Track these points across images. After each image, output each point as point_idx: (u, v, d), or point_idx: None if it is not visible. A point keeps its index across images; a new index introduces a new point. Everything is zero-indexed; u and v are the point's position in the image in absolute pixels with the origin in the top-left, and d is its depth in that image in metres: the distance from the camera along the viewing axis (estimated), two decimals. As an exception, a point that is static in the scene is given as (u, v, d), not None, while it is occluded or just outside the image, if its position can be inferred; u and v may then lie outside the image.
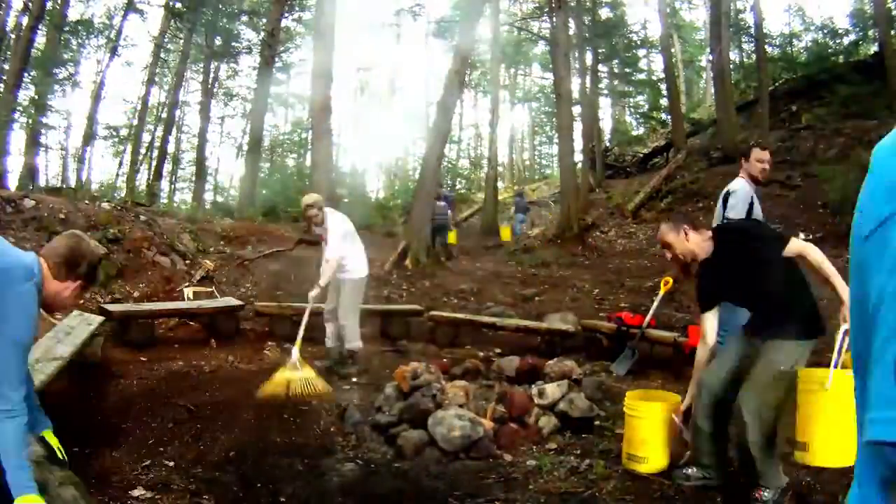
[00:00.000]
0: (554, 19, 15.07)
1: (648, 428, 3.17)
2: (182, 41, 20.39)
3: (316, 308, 5.19)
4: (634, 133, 27.37)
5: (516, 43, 26.60)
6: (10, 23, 16.04)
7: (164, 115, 22.62)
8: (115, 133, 22.34)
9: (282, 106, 29.56)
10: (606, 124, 30.24)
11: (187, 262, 8.29)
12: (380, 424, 3.95)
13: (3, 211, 7.29)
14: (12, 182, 14.01)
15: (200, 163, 21.93)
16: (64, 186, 13.87)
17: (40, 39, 16.97)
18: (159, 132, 22.23)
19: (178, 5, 18.92)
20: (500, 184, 23.14)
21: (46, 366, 3.63)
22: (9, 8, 15.55)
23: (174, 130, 24.24)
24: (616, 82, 25.05)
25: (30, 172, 15.10)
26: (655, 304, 5.90)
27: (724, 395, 2.89)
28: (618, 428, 3.86)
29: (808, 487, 2.96)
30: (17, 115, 14.53)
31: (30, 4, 13.72)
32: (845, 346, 2.48)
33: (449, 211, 12.60)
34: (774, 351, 2.76)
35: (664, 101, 23.36)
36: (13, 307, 1.97)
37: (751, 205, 3.99)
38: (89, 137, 20.39)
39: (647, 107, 26.33)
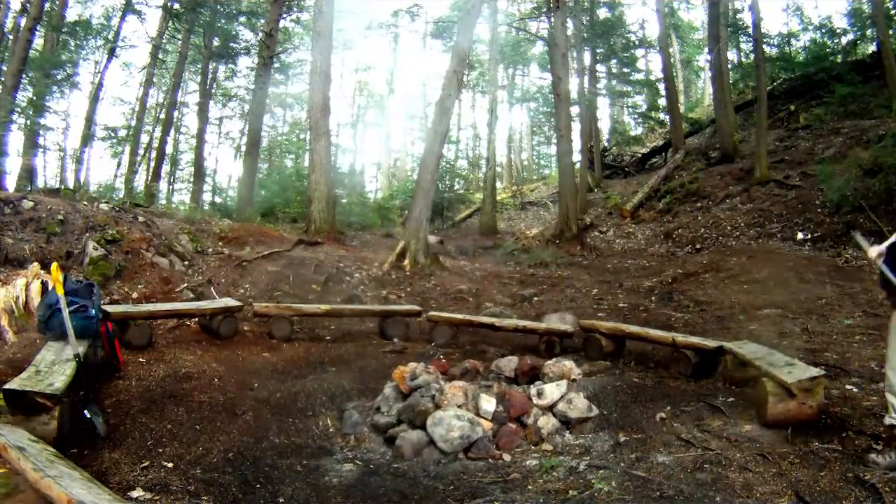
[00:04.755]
0: (552, 19, 15.09)
1: None
2: (180, 42, 20.33)
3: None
4: (633, 133, 27.37)
5: (515, 43, 26.57)
6: (9, 24, 16.02)
7: (162, 116, 22.58)
8: (113, 134, 22.24)
9: (280, 106, 29.52)
10: (605, 124, 30.32)
11: (185, 262, 8.28)
12: (379, 425, 3.96)
13: (1, 212, 7.28)
14: (11, 183, 13.99)
15: (199, 164, 21.88)
16: (62, 187, 13.79)
17: (38, 40, 16.96)
18: (157, 133, 22.18)
19: (176, 6, 18.86)
20: (498, 184, 23.14)
21: (63, 367, 3.63)
22: (7, 9, 15.53)
23: (172, 131, 24.20)
24: (614, 82, 25.05)
25: (28, 173, 15.06)
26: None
27: None
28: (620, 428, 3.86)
29: (809, 487, 2.96)
30: (15, 116, 14.47)
31: (28, 5, 13.68)
32: None
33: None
34: None
35: (662, 101, 23.39)
36: None
37: None
38: (87, 138, 20.32)
39: (645, 107, 26.33)
